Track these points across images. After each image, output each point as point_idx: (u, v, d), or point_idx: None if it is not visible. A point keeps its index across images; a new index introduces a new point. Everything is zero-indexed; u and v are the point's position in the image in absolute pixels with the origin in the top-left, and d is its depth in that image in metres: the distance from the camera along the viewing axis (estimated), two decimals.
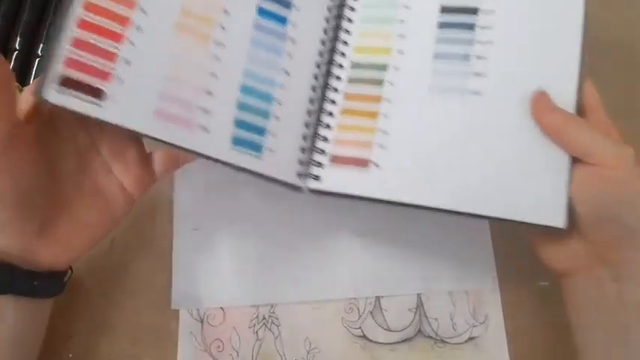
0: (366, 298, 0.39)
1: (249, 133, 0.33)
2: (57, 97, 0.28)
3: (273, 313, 0.38)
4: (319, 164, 0.34)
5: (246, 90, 0.34)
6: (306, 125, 0.35)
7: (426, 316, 0.39)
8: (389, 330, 0.39)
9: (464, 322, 0.39)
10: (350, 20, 0.36)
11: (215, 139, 0.32)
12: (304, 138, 0.35)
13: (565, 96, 0.33)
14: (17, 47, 0.43)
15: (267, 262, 0.39)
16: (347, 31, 0.36)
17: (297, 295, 0.39)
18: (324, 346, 0.38)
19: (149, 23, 0.31)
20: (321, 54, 0.36)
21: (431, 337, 0.38)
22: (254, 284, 0.39)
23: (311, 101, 0.36)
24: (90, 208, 0.31)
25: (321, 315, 0.38)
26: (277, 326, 0.38)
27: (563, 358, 0.37)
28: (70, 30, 0.29)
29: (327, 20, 0.36)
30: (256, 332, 0.38)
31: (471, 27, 0.35)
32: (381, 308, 0.39)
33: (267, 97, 0.34)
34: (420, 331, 0.39)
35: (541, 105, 0.32)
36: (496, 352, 0.38)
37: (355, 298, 0.39)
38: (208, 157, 0.32)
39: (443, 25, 0.35)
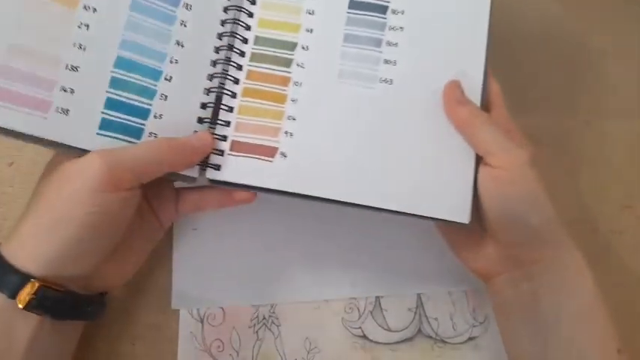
0: (366, 298, 0.39)
1: (125, 116, 0.30)
2: None
3: (274, 313, 0.38)
4: (220, 152, 0.32)
5: (123, 64, 0.30)
6: (204, 106, 0.32)
7: (425, 316, 0.39)
8: (389, 330, 0.39)
9: (464, 322, 0.39)
10: None
11: (78, 123, 0.29)
12: (201, 121, 0.32)
13: (472, 90, 0.32)
14: None
15: (267, 262, 0.39)
16: (251, 1, 0.34)
17: (297, 295, 0.39)
18: (324, 346, 0.38)
19: None
20: (223, 23, 0.33)
21: (431, 337, 0.39)
22: (254, 284, 0.39)
23: (210, 78, 0.32)
24: (137, 236, 0.33)
25: (322, 315, 0.38)
26: (277, 326, 0.38)
27: None
28: None
29: None
30: (256, 332, 0.38)
31: (383, 10, 0.34)
32: (381, 308, 0.39)
33: (152, 73, 0.31)
34: (420, 330, 0.39)
35: (452, 96, 0.32)
36: (496, 351, 0.38)
37: (355, 298, 0.39)
38: (68, 147, 0.28)
39: (354, 5, 0.34)
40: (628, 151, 0.45)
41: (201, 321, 0.38)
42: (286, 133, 0.32)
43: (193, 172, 0.32)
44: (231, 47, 0.33)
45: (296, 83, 0.33)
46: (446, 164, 0.32)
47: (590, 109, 0.46)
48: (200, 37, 0.32)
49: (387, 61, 0.33)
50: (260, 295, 0.38)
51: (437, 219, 0.31)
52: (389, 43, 0.33)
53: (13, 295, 0.28)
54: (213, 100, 0.32)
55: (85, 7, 0.29)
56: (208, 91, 0.32)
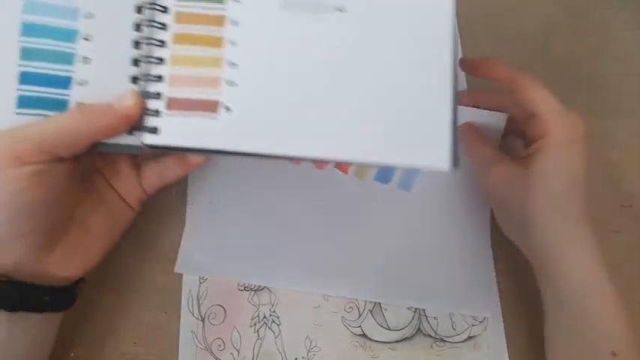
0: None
1: (44, 88, 0.27)
2: None
3: (274, 312, 0.38)
4: (155, 112, 0.28)
5: (29, 30, 0.26)
6: (135, 62, 0.28)
7: (425, 315, 0.39)
8: (389, 329, 0.39)
9: (463, 322, 0.39)
10: None
11: None
12: (134, 80, 0.28)
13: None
14: None
15: (275, 245, 0.40)
16: None
17: (293, 284, 0.39)
18: (324, 345, 0.38)
19: None
20: None
21: (430, 336, 0.39)
22: (256, 264, 0.39)
23: (137, 27, 0.28)
24: (96, 218, 0.32)
25: (322, 314, 0.39)
26: (278, 325, 0.38)
27: None
28: None
29: None
30: (257, 331, 0.38)
31: None
32: (380, 307, 0.39)
33: (66, 34, 0.27)
34: (419, 329, 0.39)
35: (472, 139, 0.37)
36: (495, 351, 0.38)
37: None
38: None
39: None
40: (626, 150, 0.45)
41: (202, 320, 0.38)
42: (228, 82, 0.28)
43: (136, 141, 0.28)
44: None
45: (233, 22, 0.28)
46: (418, 105, 0.27)
47: (589, 109, 0.46)
48: None
49: None
50: (259, 276, 0.39)
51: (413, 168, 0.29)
52: None
53: None
54: (146, 55, 0.28)
55: None
56: (137, 43, 0.28)
